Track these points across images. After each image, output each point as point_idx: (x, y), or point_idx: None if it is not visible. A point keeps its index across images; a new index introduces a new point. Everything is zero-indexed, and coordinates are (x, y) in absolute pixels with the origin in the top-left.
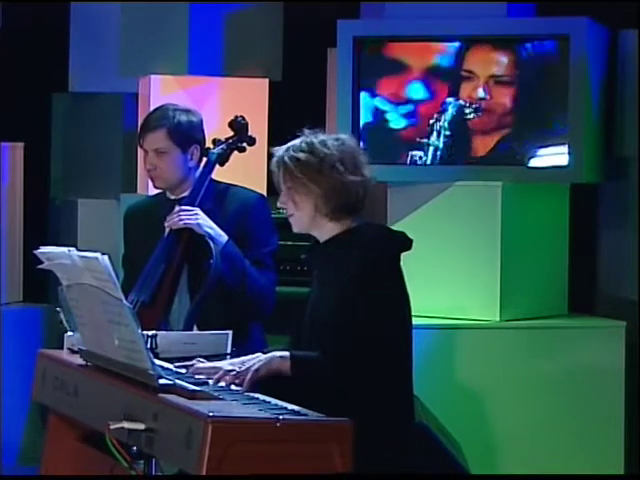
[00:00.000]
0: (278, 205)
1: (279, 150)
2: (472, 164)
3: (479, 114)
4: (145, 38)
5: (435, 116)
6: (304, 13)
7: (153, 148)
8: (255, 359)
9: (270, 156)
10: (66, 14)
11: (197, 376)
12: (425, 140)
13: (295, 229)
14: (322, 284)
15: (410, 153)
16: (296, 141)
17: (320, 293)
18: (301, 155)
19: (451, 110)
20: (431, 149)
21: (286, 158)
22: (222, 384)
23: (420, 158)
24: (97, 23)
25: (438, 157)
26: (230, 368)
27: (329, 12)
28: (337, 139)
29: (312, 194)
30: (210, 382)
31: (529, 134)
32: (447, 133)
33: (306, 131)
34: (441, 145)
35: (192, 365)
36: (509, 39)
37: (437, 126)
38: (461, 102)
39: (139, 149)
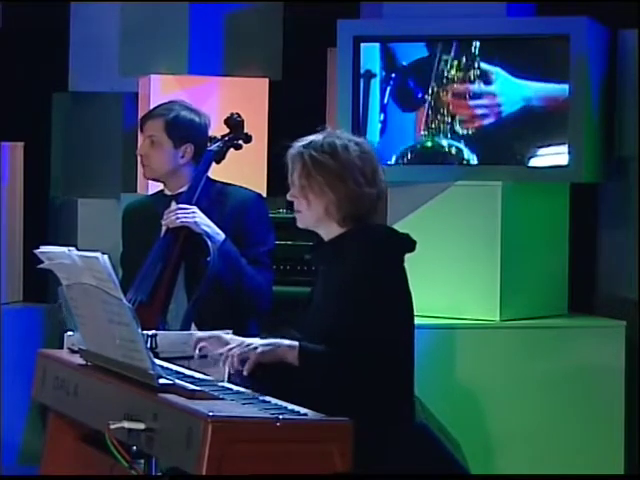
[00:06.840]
0: (288, 198)
1: (299, 143)
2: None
3: None
4: (145, 38)
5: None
6: (304, 13)
7: (148, 135)
8: (260, 341)
9: (286, 148)
10: (66, 14)
11: (200, 347)
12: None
13: (300, 225)
14: (326, 281)
15: None
16: (317, 137)
17: (324, 291)
18: (322, 157)
19: None
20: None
21: (306, 156)
22: (227, 368)
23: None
24: (97, 23)
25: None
26: (234, 345)
27: (329, 12)
28: (357, 144)
29: (326, 198)
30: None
31: (529, 134)
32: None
33: (328, 128)
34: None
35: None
36: (509, 39)
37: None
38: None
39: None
